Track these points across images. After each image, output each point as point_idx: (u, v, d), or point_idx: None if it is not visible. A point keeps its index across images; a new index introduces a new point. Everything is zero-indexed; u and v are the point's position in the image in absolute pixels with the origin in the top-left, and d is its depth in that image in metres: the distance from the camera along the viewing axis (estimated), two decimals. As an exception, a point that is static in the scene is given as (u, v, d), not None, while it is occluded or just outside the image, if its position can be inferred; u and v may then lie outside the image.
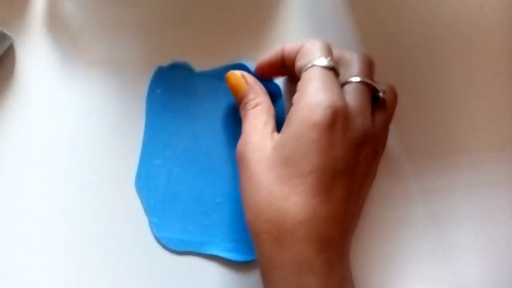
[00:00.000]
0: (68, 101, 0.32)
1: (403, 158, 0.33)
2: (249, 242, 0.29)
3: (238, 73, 0.29)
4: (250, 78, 0.29)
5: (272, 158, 0.25)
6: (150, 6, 0.33)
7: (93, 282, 0.30)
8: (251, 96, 0.29)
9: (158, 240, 0.30)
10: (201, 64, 0.32)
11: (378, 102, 0.28)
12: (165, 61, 0.32)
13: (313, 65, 0.26)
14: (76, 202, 0.31)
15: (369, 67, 0.28)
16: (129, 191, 0.31)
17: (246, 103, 0.29)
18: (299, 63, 0.27)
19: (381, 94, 0.28)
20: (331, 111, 0.24)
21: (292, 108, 0.26)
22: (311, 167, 0.24)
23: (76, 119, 0.31)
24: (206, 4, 0.33)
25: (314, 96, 0.25)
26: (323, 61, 0.26)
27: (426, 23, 0.34)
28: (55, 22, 0.32)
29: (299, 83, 0.26)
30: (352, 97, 0.26)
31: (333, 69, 0.26)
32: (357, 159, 0.25)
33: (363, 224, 0.31)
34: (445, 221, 0.32)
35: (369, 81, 0.27)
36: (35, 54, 0.32)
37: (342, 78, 0.27)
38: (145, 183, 0.31)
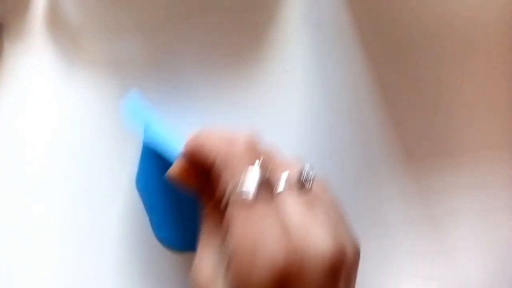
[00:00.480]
0: (67, 101, 0.32)
1: (402, 158, 0.33)
2: None
3: (179, 165, 0.24)
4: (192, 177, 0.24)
5: None
6: (150, 6, 0.33)
7: (94, 282, 0.30)
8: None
9: (159, 240, 0.30)
10: (200, 63, 0.32)
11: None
12: (165, 61, 0.32)
13: (235, 199, 0.20)
14: (75, 202, 0.31)
15: (277, 157, 0.23)
16: (129, 191, 0.31)
17: (205, 200, 0.24)
18: (220, 187, 0.22)
19: (306, 182, 0.23)
20: (273, 275, 0.18)
21: (227, 262, 0.20)
22: None
23: (75, 119, 0.31)
24: (205, 4, 0.33)
25: (244, 254, 0.19)
26: (247, 190, 0.20)
27: (426, 23, 0.34)
28: (56, 22, 0.32)
29: (225, 218, 0.21)
30: (288, 213, 0.20)
31: (262, 195, 0.21)
32: None
33: (363, 224, 0.31)
34: (445, 221, 0.32)
35: (298, 179, 0.22)
36: (35, 54, 0.32)
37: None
38: (145, 183, 0.31)
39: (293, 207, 0.21)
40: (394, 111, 0.32)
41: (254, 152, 0.22)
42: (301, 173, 0.22)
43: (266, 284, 0.18)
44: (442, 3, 0.34)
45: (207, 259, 0.22)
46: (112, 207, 0.31)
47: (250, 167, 0.21)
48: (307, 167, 0.23)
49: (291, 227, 0.20)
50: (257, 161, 0.22)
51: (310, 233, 0.20)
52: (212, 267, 0.21)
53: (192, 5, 0.33)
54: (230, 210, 0.21)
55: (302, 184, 0.22)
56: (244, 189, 0.21)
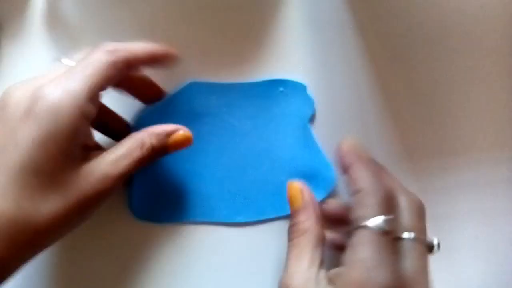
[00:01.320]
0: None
1: (403, 158, 0.33)
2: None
3: (298, 185, 0.28)
4: (308, 196, 0.28)
5: None
6: (150, 6, 0.33)
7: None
8: (301, 217, 0.27)
9: (138, 212, 0.31)
10: (200, 63, 0.32)
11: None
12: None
13: (366, 226, 0.24)
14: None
15: (420, 216, 0.27)
16: (124, 195, 0.31)
17: (294, 225, 0.27)
18: (352, 215, 0.25)
19: (435, 249, 0.27)
20: None
21: (341, 277, 0.24)
22: None
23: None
24: (206, 4, 0.33)
25: (363, 272, 0.23)
26: (379, 222, 0.24)
27: (426, 23, 0.34)
28: (55, 22, 0.32)
29: (349, 242, 0.25)
30: (408, 261, 0.25)
31: (390, 233, 0.24)
32: None
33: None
34: (445, 221, 0.33)
35: (425, 237, 0.26)
36: (35, 54, 0.32)
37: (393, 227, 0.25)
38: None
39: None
40: (395, 111, 0.32)
41: (389, 204, 0.26)
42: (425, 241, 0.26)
43: None
44: (443, 2, 0.34)
45: (296, 273, 0.25)
46: (108, 206, 0.30)
47: (381, 214, 0.25)
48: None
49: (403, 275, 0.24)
50: (389, 214, 0.25)
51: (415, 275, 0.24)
52: (303, 279, 0.25)
53: (192, 5, 0.33)
54: (353, 237, 0.25)
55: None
56: (370, 225, 0.24)
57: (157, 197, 0.31)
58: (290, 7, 0.34)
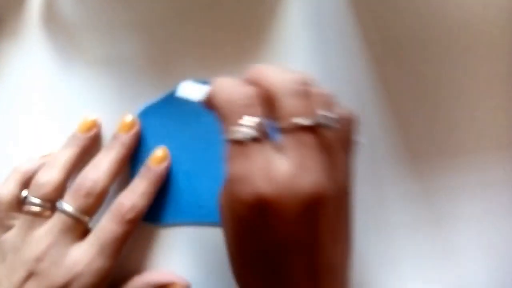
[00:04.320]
0: (65, 99, 0.32)
1: (405, 158, 0.33)
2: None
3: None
4: None
5: None
6: (149, 4, 0.33)
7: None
8: None
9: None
10: (200, 63, 0.32)
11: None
12: (163, 60, 0.32)
13: (226, 138, 0.23)
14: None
15: (304, 95, 0.24)
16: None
17: None
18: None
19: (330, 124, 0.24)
20: (252, 206, 0.22)
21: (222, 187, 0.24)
22: None
23: (73, 117, 0.31)
24: (205, 3, 0.33)
25: (229, 187, 0.23)
26: (238, 132, 0.23)
27: (427, 23, 0.34)
28: (53, 20, 0.32)
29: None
30: (288, 155, 0.22)
31: (256, 139, 0.23)
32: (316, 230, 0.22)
33: (364, 224, 0.31)
34: (446, 222, 0.33)
35: (303, 121, 0.23)
36: (33, 52, 0.32)
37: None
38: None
39: (288, 150, 0.23)
40: (396, 112, 0.32)
41: (252, 105, 0.24)
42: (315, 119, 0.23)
43: (246, 210, 0.22)
44: (444, 2, 0.34)
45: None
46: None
47: (242, 122, 0.23)
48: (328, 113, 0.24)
49: (277, 169, 0.22)
50: (253, 117, 0.23)
51: (292, 175, 0.22)
52: None
53: (192, 4, 0.33)
54: (228, 146, 0.24)
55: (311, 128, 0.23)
56: (229, 136, 0.23)
57: (157, 197, 0.31)
58: (290, 7, 0.34)
